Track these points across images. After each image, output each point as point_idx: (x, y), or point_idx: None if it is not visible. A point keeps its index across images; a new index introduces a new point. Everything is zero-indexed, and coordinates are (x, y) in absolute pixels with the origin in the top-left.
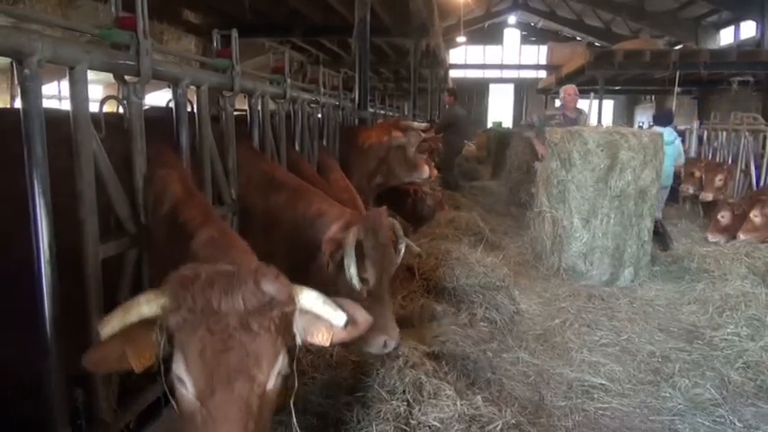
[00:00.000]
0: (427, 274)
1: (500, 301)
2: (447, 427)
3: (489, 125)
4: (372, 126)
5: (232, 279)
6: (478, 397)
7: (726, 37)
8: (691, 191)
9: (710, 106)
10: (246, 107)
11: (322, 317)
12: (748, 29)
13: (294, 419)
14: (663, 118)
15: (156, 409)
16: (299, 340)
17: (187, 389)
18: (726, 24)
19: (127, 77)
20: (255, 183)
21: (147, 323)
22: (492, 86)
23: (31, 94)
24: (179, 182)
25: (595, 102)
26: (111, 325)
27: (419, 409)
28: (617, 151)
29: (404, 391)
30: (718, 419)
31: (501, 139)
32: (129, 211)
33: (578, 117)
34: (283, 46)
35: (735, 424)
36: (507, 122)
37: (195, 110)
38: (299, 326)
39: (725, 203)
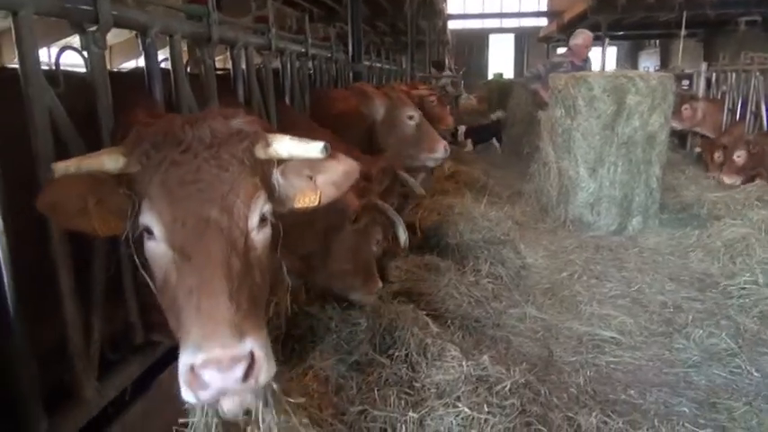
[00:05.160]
0: (430, 230)
1: (505, 255)
2: (453, 389)
3: (490, 77)
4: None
5: (196, 115)
6: (485, 356)
7: None
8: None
9: (717, 49)
10: (226, 66)
11: (301, 156)
12: None
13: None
14: None
15: (141, 385)
16: (282, 193)
17: (156, 237)
18: None
19: (85, 25)
20: None
21: (115, 183)
22: (492, 37)
23: None
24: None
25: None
26: (65, 164)
27: (423, 373)
28: (624, 96)
29: (406, 355)
30: (734, 370)
31: (502, 90)
32: None
33: (584, 65)
34: (276, 1)
35: (753, 374)
36: (508, 74)
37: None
38: (279, 183)
39: (741, 142)
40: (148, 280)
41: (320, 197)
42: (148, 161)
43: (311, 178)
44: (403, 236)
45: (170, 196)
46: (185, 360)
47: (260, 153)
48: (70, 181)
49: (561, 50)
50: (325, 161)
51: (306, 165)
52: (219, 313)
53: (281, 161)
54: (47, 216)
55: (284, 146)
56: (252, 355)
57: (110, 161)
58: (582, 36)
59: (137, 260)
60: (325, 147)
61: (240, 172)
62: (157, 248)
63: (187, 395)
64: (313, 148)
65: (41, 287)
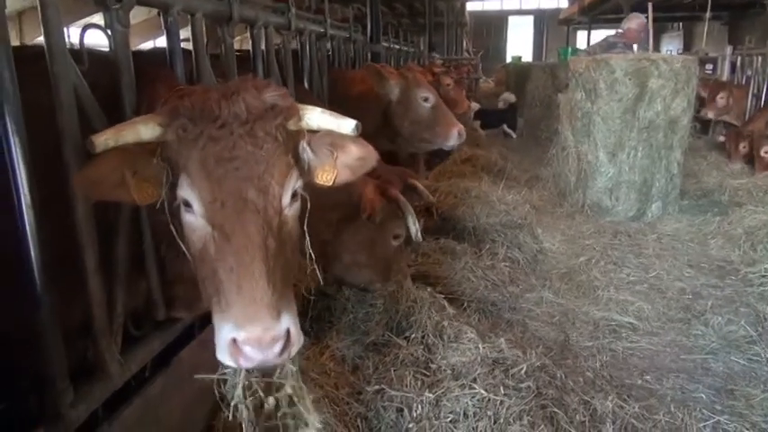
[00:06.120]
0: (446, 214)
1: (522, 239)
2: (469, 371)
3: (509, 60)
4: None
5: (231, 87)
6: (501, 339)
7: None
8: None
9: (742, 32)
10: (244, 48)
11: (333, 129)
12: None
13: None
14: None
15: (164, 359)
16: (306, 165)
17: (195, 212)
18: None
19: (109, 3)
20: None
21: (148, 153)
22: (511, 19)
23: None
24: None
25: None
26: (104, 137)
27: (439, 354)
28: (646, 79)
29: (422, 336)
30: (753, 357)
31: (521, 73)
32: None
33: (633, 49)
34: None
35: None
36: (527, 57)
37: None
38: (307, 154)
39: (764, 138)
40: (183, 247)
41: (335, 177)
42: (185, 134)
43: (333, 154)
44: (413, 228)
45: (209, 175)
46: (228, 333)
47: (292, 126)
48: (109, 155)
49: (612, 31)
50: (347, 141)
51: (330, 141)
52: (260, 296)
53: (309, 131)
54: (85, 192)
55: (316, 119)
56: (288, 332)
57: (146, 130)
58: (636, 21)
59: (173, 228)
60: (357, 125)
61: (274, 150)
62: (196, 222)
63: (227, 361)
64: (346, 125)
65: (67, 264)
